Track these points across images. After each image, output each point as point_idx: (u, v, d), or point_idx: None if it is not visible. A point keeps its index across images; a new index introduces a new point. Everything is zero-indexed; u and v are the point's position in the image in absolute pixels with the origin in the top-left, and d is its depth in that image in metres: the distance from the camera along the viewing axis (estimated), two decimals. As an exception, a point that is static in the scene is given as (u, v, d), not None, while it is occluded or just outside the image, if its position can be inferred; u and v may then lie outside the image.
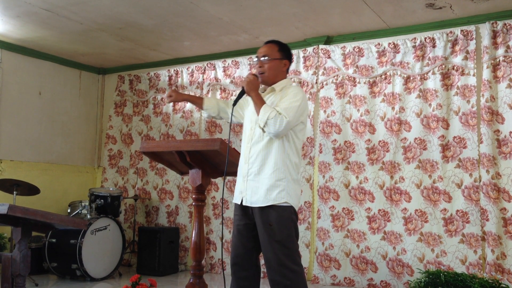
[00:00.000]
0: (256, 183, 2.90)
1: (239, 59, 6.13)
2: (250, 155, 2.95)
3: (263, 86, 3.12)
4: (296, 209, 2.94)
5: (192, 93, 6.39)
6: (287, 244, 2.82)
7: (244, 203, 2.94)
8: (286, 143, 2.92)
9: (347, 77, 5.42)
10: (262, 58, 3.05)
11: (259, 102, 2.90)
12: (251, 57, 6.03)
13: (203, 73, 6.37)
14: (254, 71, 3.12)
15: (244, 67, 6.08)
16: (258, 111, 2.89)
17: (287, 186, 2.87)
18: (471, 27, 4.86)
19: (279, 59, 3.05)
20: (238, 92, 3.09)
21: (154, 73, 6.77)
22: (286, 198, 2.86)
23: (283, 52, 3.09)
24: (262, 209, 2.86)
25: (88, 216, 5.46)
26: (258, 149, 2.93)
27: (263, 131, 2.89)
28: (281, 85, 3.05)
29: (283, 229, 2.83)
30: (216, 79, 6.26)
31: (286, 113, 2.82)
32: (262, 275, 3.18)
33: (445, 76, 4.93)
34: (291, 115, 2.83)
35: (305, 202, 5.47)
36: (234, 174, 3.33)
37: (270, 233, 2.83)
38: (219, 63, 6.26)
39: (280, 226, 2.83)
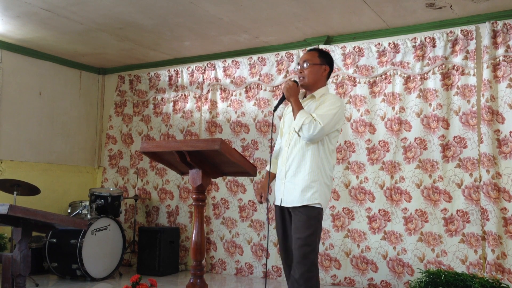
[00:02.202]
0: (292, 184, 3.07)
1: (239, 59, 6.13)
2: (287, 158, 3.12)
3: (302, 91, 3.26)
4: (325, 210, 3.12)
5: (192, 93, 6.40)
6: (309, 242, 2.97)
7: (282, 204, 3.12)
8: (321, 148, 3.06)
9: (347, 77, 5.42)
10: (304, 64, 3.18)
11: (297, 108, 3.05)
12: (251, 57, 6.03)
13: (203, 73, 6.37)
14: (294, 77, 3.19)
15: (244, 67, 6.08)
16: (295, 116, 3.04)
17: (319, 188, 3.03)
18: (471, 27, 4.86)
19: (319, 64, 3.17)
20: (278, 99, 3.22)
21: (154, 73, 6.77)
22: (319, 199, 3.01)
23: (323, 58, 3.21)
24: (296, 208, 3.04)
25: (89, 216, 5.47)
26: (294, 152, 3.09)
27: (298, 135, 3.04)
28: (321, 92, 3.17)
29: (309, 227, 2.99)
30: (216, 79, 6.26)
31: (321, 119, 2.95)
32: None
33: (445, 76, 4.93)
34: (326, 121, 2.96)
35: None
36: (234, 174, 3.35)
37: (297, 230, 3.00)
38: (219, 63, 6.26)
39: (308, 224, 2.99)
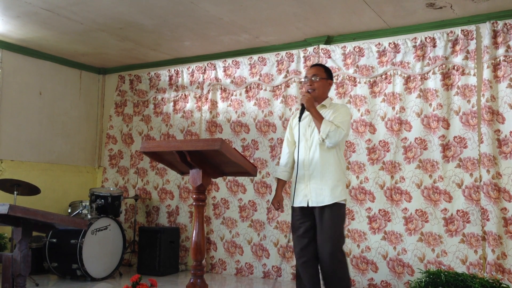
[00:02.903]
0: (320, 185, 3.40)
1: (239, 59, 6.13)
2: (310, 163, 3.45)
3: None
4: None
5: (192, 93, 6.40)
6: (340, 235, 3.37)
7: (310, 205, 3.42)
8: (338, 150, 3.47)
9: (347, 77, 5.42)
10: (313, 78, 3.55)
11: (319, 117, 3.40)
12: (251, 57, 6.03)
13: (204, 73, 6.37)
14: (305, 89, 3.61)
15: (244, 67, 6.08)
16: (318, 124, 3.39)
17: (343, 186, 3.44)
18: (472, 27, 4.86)
19: (326, 79, 3.59)
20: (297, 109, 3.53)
21: (155, 73, 6.77)
22: (344, 196, 3.43)
23: (328, 73, 3.64)
24: (326, 206, 3.36)
25: (89, 216, 5.47)
26: (317, 157, 3.43)
27: (323, 141, 3.38)
28: (328, 102, 3.60)
29: (340, 223, 3.40)
30: (217, 79, 6.26)
31: (343, 126, 3.37)
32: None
33: (446, 76, 4.93)
34: (346, 127, 3.42)
35: (306, 202, 5.47)
36: (235, 174, 3.36)
37: (328, 226, 3.33)
38: (219, 63, 6.26)
39: (339, 220, 3.39)
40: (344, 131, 3.36)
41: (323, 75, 3.57)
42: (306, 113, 3.51)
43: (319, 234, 3.37)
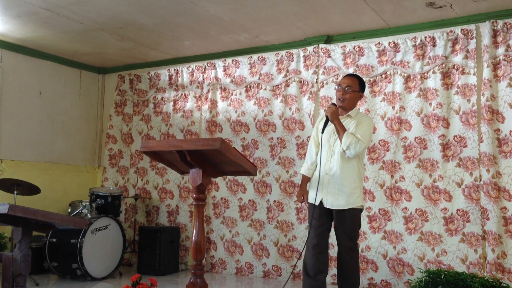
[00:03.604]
0: (338, 190, 3.66)
1: (239, 58, 6.13)
2: (331, 168, 3.70)
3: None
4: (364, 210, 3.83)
5: (192, 93, 6.40)
6: (354, 235, 3.71)
7: (326, 206, 3.71)
8: (358, 160, 3.71)
9: (347, 76, 5.41)
10: (346, 88, 3.72)
11: (342, 129, 3.61)
12: (251, 57, 6.03)
13: (203, 72, 6.37)
14: (336, 97, 3.80)
15: (244, 67, 6.08)
16: (340, 136, 3.61)
17: (360, 193, 3.70)
18: (471, 26, 4.85)
19: (358, 92, 3.77)
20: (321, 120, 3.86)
21: (154, 73, 6.77)
22: (361, 202, 3.71)
23: (361, 86, 3.81)
24: (344, 210, 3.66)
25: (89, 216, 5.47)
26: (337, 164, 3.67)
27: (344, 152, 3.63)
28: (355, 112, 3.78)
29: (354, 225, 3.69)
30: (217, 78, 6.26)
31: (363, 139, 3.59)
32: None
33: (446, 75, 4.93)
34: (367, 140, 3.64)
35: (306, 201, 5.47)
36: (235, 173, 3.35)
37: (344, 228, 3.68)
38: (219, 63, 6.26)
39: (352, 222, 3.67)
40: (364, 144, 3.58)
41: (356, 88, 3.75)
42: (347, 123, 3.75)
43: (338, 233, 3.72)
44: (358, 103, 3.95)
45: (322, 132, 3.72)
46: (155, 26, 5.41)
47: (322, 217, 3.74)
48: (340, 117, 3.71)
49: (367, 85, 5.29)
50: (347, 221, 3.67)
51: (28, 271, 2.98)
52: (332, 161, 3.70)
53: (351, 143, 3.55)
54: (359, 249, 5.11)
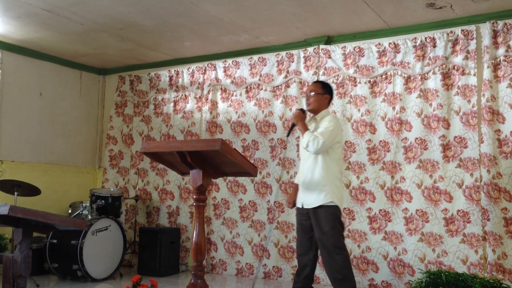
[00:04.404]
0: (309, 190, 3.85)
1: (239, 59, 6.13)
2: (303, 170, 3.92)
3: (311, 115, 4.07)
4: (340, 208, 3.85)
5: (192, 93, 6.40)
6: (332, 233, 3.73)
7: (304, 207, 3.90)
8: (327, 158, 3.83)
9: (347, 77, 5.42)
10: (310, 93, 4.01)
11: (303, 130, 3.88)
12: (251, 57, 6.04)
13: (204, 73, 6.37)
14: (301, 106, 4.06)
15: (244, 67, 6.08)
16: (303, 136, 3.86)
17: (331, 190, 3.78)
18: (472, 27, 4.86)
19: (322, 94, 4.01)
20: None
21: (155, 74, 6.77)
22: (332, 199, 3.77)
23: (325, 88, 4.06)
24: (315, 209, 3.80)
25: (89, 217, 5.46)
26: (308, 165, 3.89)
27: (307, 151, 3.83)
28: (321, 115, 3.99)
29: (328, 222, 3.74)
30: (217, 79, 6.26)
31: (321, 135, 3.73)
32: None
33: (446, 76, 4.93)
34: (326, 136, 3.73)
35: (306, 202, 5.46)
36: (235, 174, 3.36)
37: (319, 227, 3.77)
38: (219, 63, 6.26)
39: (327, 220, 3.75)
40: (322, 140, 3.71)
41: (319, 91, 4.01)
42: (312, 125, 3.98)
43: (315, 232, 3.83)
44: (330, 108, 4.23)
45: (287, 136, 4.15)
46: (155, 27, 5.42)
47: (304, 221, 3.94)
48: (308, 120, 4.02)
49: (367, 86, 5.30)
50: (320, 219, 3.77)
51: (29, 272, 2.98)
52: (305, 163, 3.93)
53: (309, 140, 3.75)
54: (360, 250, 5.12)
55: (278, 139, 5.72)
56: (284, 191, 5.61)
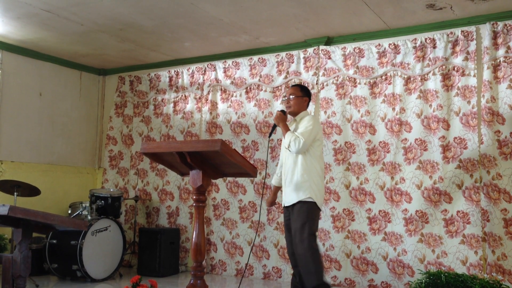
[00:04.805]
0: (289, 188, 3.97)
1: (239, 60, 6.13)
2: (285, 169, 4.04)
3: (291, 117, 4.20)
4: (319, 205, 3.93)
5: (192, 94, 6.40)
6: (299, 231, 3.82)
7: (285, 205, 4.03)
8: (308, 156, 3.94)
9: (347, 78, 5.42)
10: (290, 97, 4.15)
11: (285, 130, 4.01)
12: (251, 58, 6.04)
13: (204, 74, 6.37)
14: (281, 107, 4.14)
15: (244, 68, 6.08)
16: (284, 137, 3.99)
17: (309, 187, 3.88)
18: (472, 28, 4.86)
19: (301, 97, 4.16)
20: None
21: (155, 74, 6.77)
22: (309, 195, 3.87)
23: (304, 91, 4.21)
24: (293, 205, 3.93)
25: (89, 217, 5.46)
26: (288, 164, 4.01)
27: (289, 151, 3.95)
28: (301, 116, 4.13)
29: (299, 218, 3.85)
30: (217, 80, 6.26)
31: (302, 136, 3.86)
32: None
33: (446, 77, 4.93)
34: (306, 136, 3.87)
35: (306, 203, 5.46)
36: (235, 174, 3.37)
37: (294, 222, 3.90)
38: (219, 64, 6.26)
39: (299, 215, 3.86)
40: (303, 140, 3.83)
41: (298, 94, 4.15)
42: (292, 125, 4.11)
43: (292, 227, 3.94)
44: (309, 109, 4.39)
45: (269, 137, 4.22)
46: (155, 27, 5.42)
47: (288, 220, 4.04)
48: (290, 123, 4.15)
49: (367, 87, 5.30)
50: (295, 214, 3.88)
51: (28, 273, 2.98)
52: (286, 162, 4.05)
53: (291, 140, 3.88)
54: (359, 250, 5.12)
55: (278, 140, 5.72)
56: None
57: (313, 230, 3.87)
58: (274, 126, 4.19)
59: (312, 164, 3.93)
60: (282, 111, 4.14)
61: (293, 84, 4.90)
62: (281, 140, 5.69)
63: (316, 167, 3.95)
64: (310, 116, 4.10)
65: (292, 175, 3.95)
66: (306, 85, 5.62)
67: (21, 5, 4.85)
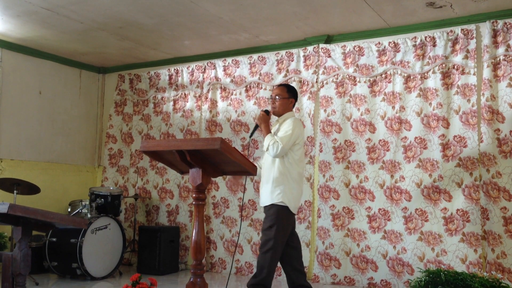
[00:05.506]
0: (265, 188, 3.98)
1: (239, 58, 6.13)
2: (263, 170, 4.06)
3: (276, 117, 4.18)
4: (292, 209, 3.92)
5: (192, 92, 6.40)
6: (266, 231, 3.87)
7: (260, 205, 4.09)
8: (286, 160, 3.94)
9: (347, 76, 5.42)
10: (276, 97, 4.11)
11: (266, 132, 4.00)
12: (251, 56, 6.03)
13: (203, 72, 6.37)
14: (267, 107, 4.12)
15: (244, 66, 6.08)
16: (264, 139, 3.98)
17: (283, 191, 3.88)
18: (472, 26, 4.85)
19: (287, 98, 4.12)
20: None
21: (154, 72, 6.76)
22: (283, 199, 3.87)
23: (290, 93, 4.15)
24: (265, 207, 3.96)
25: (89, 215, 5.47)
26: (266, 165, 4.03)
27: (267, 154, 3.94)
28: (284, 117, 4.09)
29: (268, 220, 3.89)
30: (216, 78, 6.26)
31: (281, 141, 3.85)
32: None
33: (446, 75, 4.93)
34: (285, 142, 3.85)
35: (306, 201, 5.47)
36: (235, 173, 3.37)
37: (263, 223, 3.97)
38: (219, 62, 6.26)
39: (268, 217, 3.91)
40: (281, 145, 3.82)
41: (285, 95, 4.10)
42: (276, 126, 4.12)
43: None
44: (295, 109, 4.43)
45: (250, 137, 4.18)
46: (155, 26, 5.41)
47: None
48: (274, 123, 4.16)
49: (366, 85, 5.30)
50: (266, 215, 3.93)
51: (28, 271, 2.97)
52: (265, 163, 4.06)
53: (269, 144, 3.87)
54: (359, 249, 5.12)
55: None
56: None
57: (279, 235, 3.84)
58: (256, 126, 4.14)
59: (288, 168, 3.92)
60: (266, 111, 4.11)
61: (280, 84, 4.80)
62: None
63: (292, 172, 3.92)
64: (292, 120, 4.03)
65: (268, 177, 3.95)
66: (306, 83, 5.62)
67: (20, 3, 4.84)
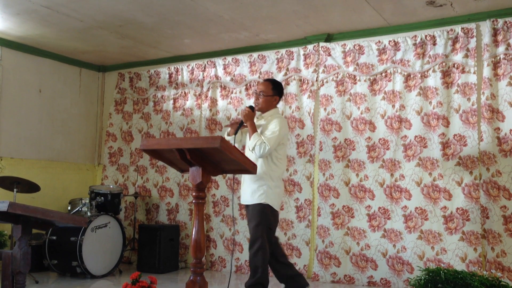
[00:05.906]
0: (247, 187, 3.98)
1: (239, 56, 6.12)
2: None
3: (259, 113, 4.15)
4: (275, 207, 3.95)
5: (192, 91, 6.40)
6: (252, 231, 3.88)
7: (241, 202, 4.12)
8: (270, 159, 3.93)
9: (347, 74, 5.41)
10: (260, 93, 4.08)
11: (252, 130, 3.91)
12: (251, 55, 6.03)
13: (203, 70, 6.36)
14: (250, 103, 4.04)
15: (244, 65, 6.07)
16: (250, 137, 3.91)
17: (266, 190, 3.89)
18: (472, 25, 4.85)
19: (271, 96, 4.10)
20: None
21: (154, 71, 6.76)
22: (265, 199, 3.88)
23: (275, 90, 4.13)
24: (248, 206, 3.98)
25: (88, 214, 5.47)
26: None
27: (253, 153, 3.89)
28: (269, 114, 4.09)
29: (253, 219, 3.89)
30: (216, 76, 6.26)
31: (268, 142, 3.83)
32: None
33: (446, 74, 4.93)
34: (272, 143, 3.85)
35: (305, 199, 5.47)
36: (234, 171, 3.37)
37: (248, 222, 4.00)
38: (219, 61, 6.25)
39: (252, 217, 3.90)
40: (268, 147, 3.81)
41: (269, 92, 4.08)
42: (261, 121, 4.08)
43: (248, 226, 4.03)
44: (279, 105, 4.44)
45: (235, 134, 4.06)
46: (155, 24, 5.41)
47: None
48: (258, 118, 4.11)
49: (367, 84, 5.29)
50: (250, 215, 3.93)
51: (28, 269, 2.98)
52: None
53: (256, 144, 3.83)
54: (359, 247, 5.12)
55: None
56: (284, 188, 5.60)
57: (266, 232, 3.87)
58: (241, 123, 4.05)
59: (271, 167, 3.92)
60: (251, 107, 4.04)
61: (266, 79, 4.57)
62: None
63: (275, 171, 3.93)
64: (278, 120, 3.99)
65: (250, 176, 3.92)
66: (306, 82, 5.62)
67: (20, 1, 4.84)
